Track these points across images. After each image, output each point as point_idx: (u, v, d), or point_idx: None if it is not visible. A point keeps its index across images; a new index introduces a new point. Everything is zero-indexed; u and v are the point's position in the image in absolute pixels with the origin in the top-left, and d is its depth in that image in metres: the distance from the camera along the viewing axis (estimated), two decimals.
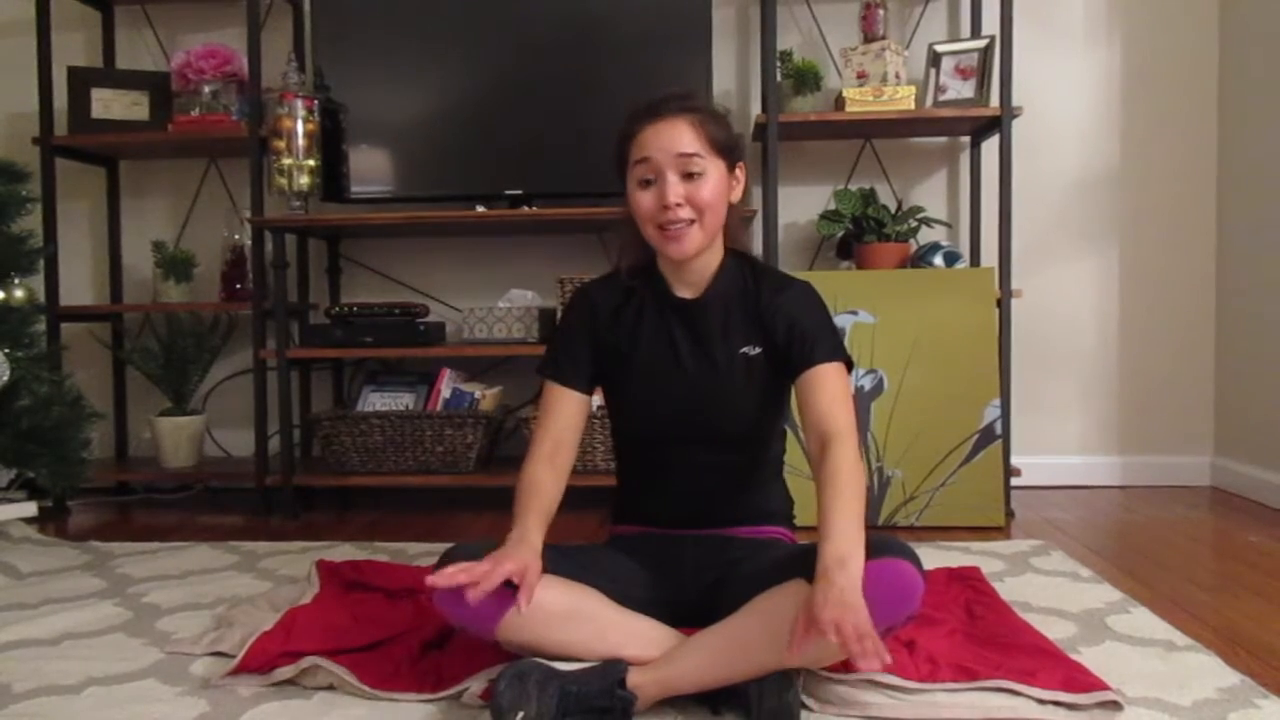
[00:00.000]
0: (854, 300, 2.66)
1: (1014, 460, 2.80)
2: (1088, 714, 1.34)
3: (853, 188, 2.94)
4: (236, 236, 3.06)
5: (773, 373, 1.54)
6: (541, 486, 1.51)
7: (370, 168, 2.92)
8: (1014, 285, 2.72)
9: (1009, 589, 1.93)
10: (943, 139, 3.11)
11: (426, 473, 2.82)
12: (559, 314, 2.76)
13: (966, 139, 3.06)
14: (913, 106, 2.74)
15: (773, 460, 1.65)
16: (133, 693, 1.47)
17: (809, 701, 1.38)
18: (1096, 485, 3.09)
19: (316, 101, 2.79)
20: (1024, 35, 2.95)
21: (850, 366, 1.55)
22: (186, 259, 3.06)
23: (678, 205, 1.46)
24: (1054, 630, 1.66)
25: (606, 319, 1.59)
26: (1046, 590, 1.94)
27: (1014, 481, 2.72)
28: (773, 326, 1.53)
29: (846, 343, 2.60)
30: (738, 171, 1.55)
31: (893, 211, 2.84)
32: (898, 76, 2.77)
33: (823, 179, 3.12)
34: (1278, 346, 2.75)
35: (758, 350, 1.54)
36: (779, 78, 2.83)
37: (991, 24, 2.80)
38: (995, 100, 2.71)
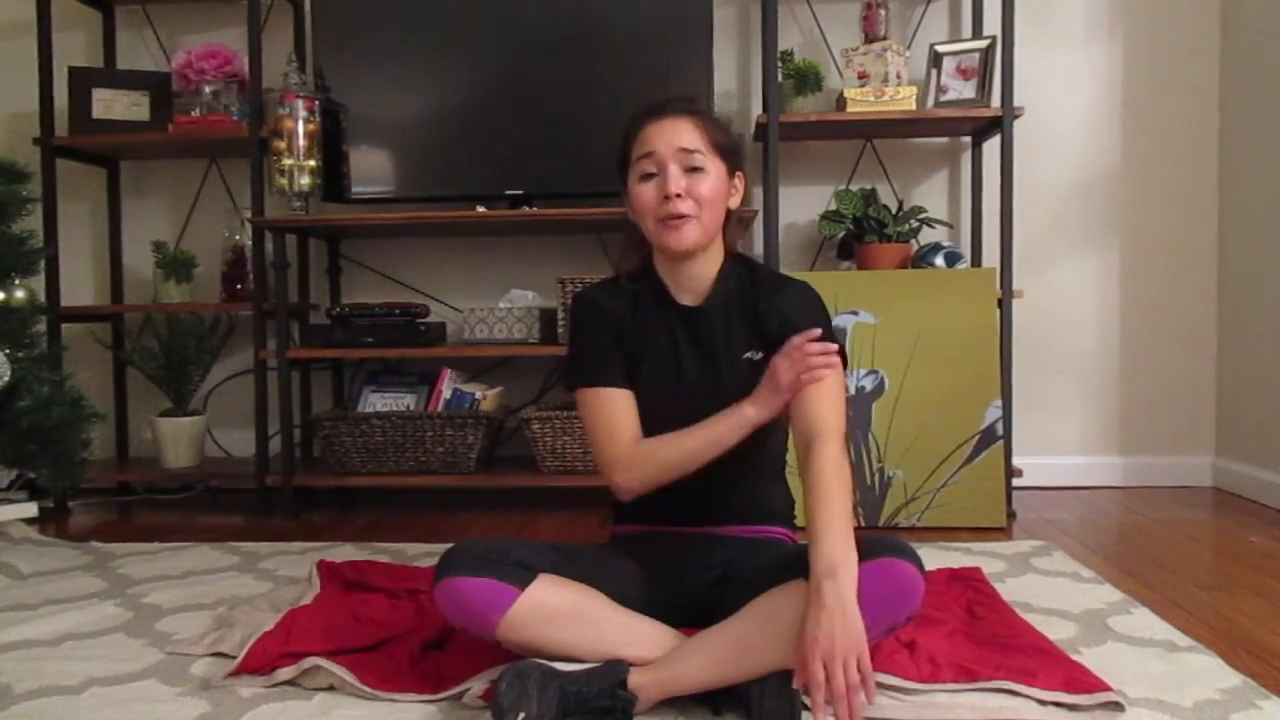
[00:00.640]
0: (855, 300, 2.66)
1: (1015, 461, 2.79)
2: (1089, 715, 1.34)
3: (854, 188, 2.94)
4: (237, 237, 3.06)
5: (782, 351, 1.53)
6: (656, 441, 1.51)
7: (371, 168, 2.92)
8: (1015, 285, 2.72)
9: (1010, 589, 1.93)
10: (944, 139, 3.10)
11: (427, 473, 2.82)
12: (559, 314, 2.76)
13: (968, 139, 3.06)
14: (914, 107, 2.74)
15: (773, 461, 1.65)
16: (133, 693, 1.47)
17: (809, 702, 1.38)
18: (1098, 486, 3.08)
19: (317, 102, 2.79)
20: (1025, 35, 2.95)
21: (845, 365, 1.54)
22: (187, 259, 3.06)
23: (678, 196, 1.47)
24: (1055, 631, 1.66)
25: (621, 322, 1.58)
26: (1047, 591, 1.94)
27: (1015, 482, 2.72)
28: (771, 329, 1.53)
29: (847, 343, 2.62)
30: (737, 180, 1.56)
31: (894, 212, 2.84)
32: (899, 77, 2.77)
33: (824, 179, 3.11)
34: (1279, 347, 2.74)
35: (760, 356, 1.54)
36: (780, 78, 2.83)
37: (993, 24, 2.80)
38: (996, 100, 2.71)
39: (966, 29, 3.04)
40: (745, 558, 1.53)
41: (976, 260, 2.97)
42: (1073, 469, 3.10)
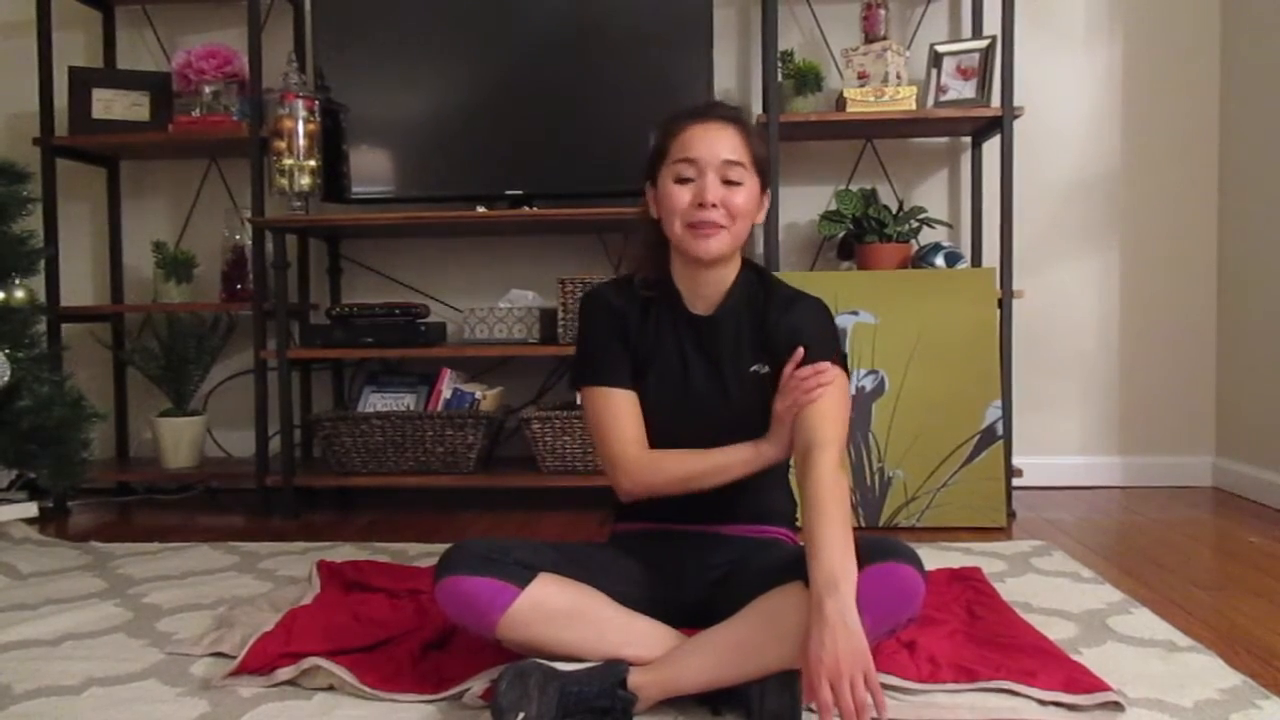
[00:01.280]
0: (855, 301, 2.66)
1: (1015, 461, 2.80)
2: (1089, 715, 1.34)
3: (854, 188, 2.94)
4: (237, 237, 3.06)
5: (779, 389, 1.54)
6: (666, 455, 1.52)
7: (371, 168, 2.92)
8: (1015, 285, 2.72)
9: (1010, 589, 1.93)
10: (944, 139, 3.10)
11: (427, 473, 2.82)
12: (559, 315, 2.76)
13: (968, 139, 3.06)
14: (914, 107, 2.74)
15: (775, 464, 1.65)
16: (133, 693, 1.47)
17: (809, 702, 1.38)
18: (1098, 486, 3.09)
19: (317, 102, 2.79)
20: (1025, 35, 2.95)
21: (848, 375, 1.55)
22: (187, 259, 3.06)
23: (714, 206, 1.46)
24: (1055, 631, 1.66)
25: (629, 324, 1.57)
26: (1047, 591, 1.94)
27: (1015, 482, 2.72)
28: (778, 343, 1.53)
29: (847, 343, 2.62)
30: (765, 196, 1.56)
31: (894, 212, 2.84)
32: (899, 77, 2.77)
33: (824, 179, 3.11)
34: (1279, 346, 2.74)
35: (766, 369, 1.54)
36: (780, 78, 2.83)
37: (993, 24, 2.80)
38: (996, 100, 2.71)
39: (966, 29, 3.04)
40: (746, 558, 1.53)
41: (976, 260, 2.97)
42: (1073, 469, 3.10)
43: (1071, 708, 1.34)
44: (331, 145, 2.86)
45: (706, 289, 1.56)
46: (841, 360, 1.52)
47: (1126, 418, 3.11)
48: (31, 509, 2.51)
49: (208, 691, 1.47)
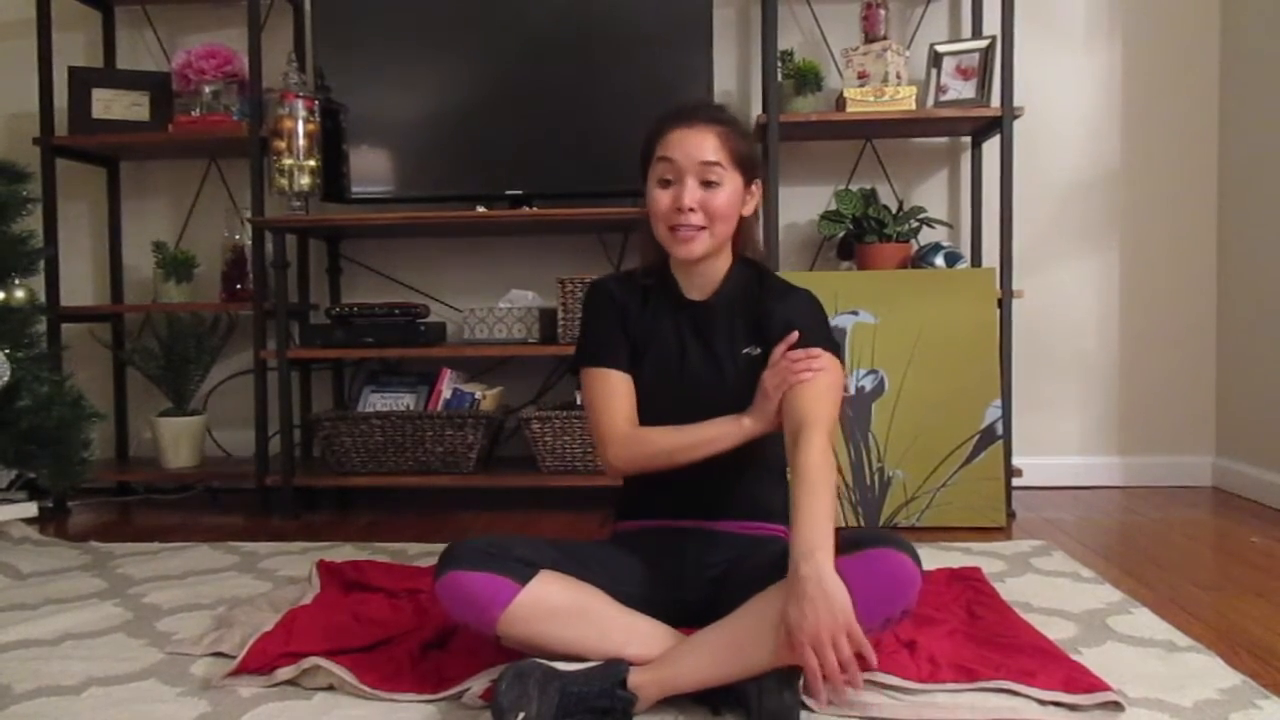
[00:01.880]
0: (855, 300, 2.66)
1: (1015, 461, 2.80)
2: (1088, 715, 1.34)
3: (854, 188, 2.94)
4: (237, 236, 3.06)
5: (769, 364, 1.56)
6: (651, 429, 1.56)
7: (371, 168, 2.92)
8: (1015, 285, 2.72)
9: (1010, 589, 1.93)
10: (944, 139, 3.10)
11: (427, 473, 2.82)
12: (559, 314, 2.76)
13: (967, 139, 3.06)
14: (914, 107, 2.74)
15: (773, 458, 1.65)
16: (133, 693, 1.47)
17: (809, 701, 1.38)
18: (1097, 486, 3.09)
19: (317, 102, 2.79)
20: (1025, 35, 2.95)
21: (842, 364, 1.58)
22: (187, 259, 3.06)
23: (690, 210, 1.51)
24: (1055, 631, 1.66)
25: (628, 312, 1.63)
26: (1047, 591, 1.94)
27: (1015, 482, 2.72)
28: (770, 327, 1.57)
29: (847, 343, 2.62)
30: (753, 187, 1.60)
31: (894, 212, 2.84)
32: (899, 77, 2.77)
33: (824, 179, 3.12)
34: (1279, 346, 2.74)
35: (758, 351, 1.57)
36: (780, 78, 2.83)
37: (993, 24, 2.79)
38: (996, 100, 2.71)
39: (966, 29, 3.04)
40: (744, 555, 1.53)
41: (976, 260, 2.97)
42: (1072, 469, 3.10)
43: (1071, 707, 1.34)
44: (331, 145, 2.86)
45: (701, 279, 1.62)
46: (834, 349, 1.56)
47: (1126, 418, 3.11)
48: (31, 509, 2.51)
49: (208, 691, 1.47)
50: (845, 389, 2.40)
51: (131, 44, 3.23)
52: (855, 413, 2.61)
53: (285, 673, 1.48)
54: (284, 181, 2.75)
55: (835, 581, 1.24)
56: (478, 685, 1.41)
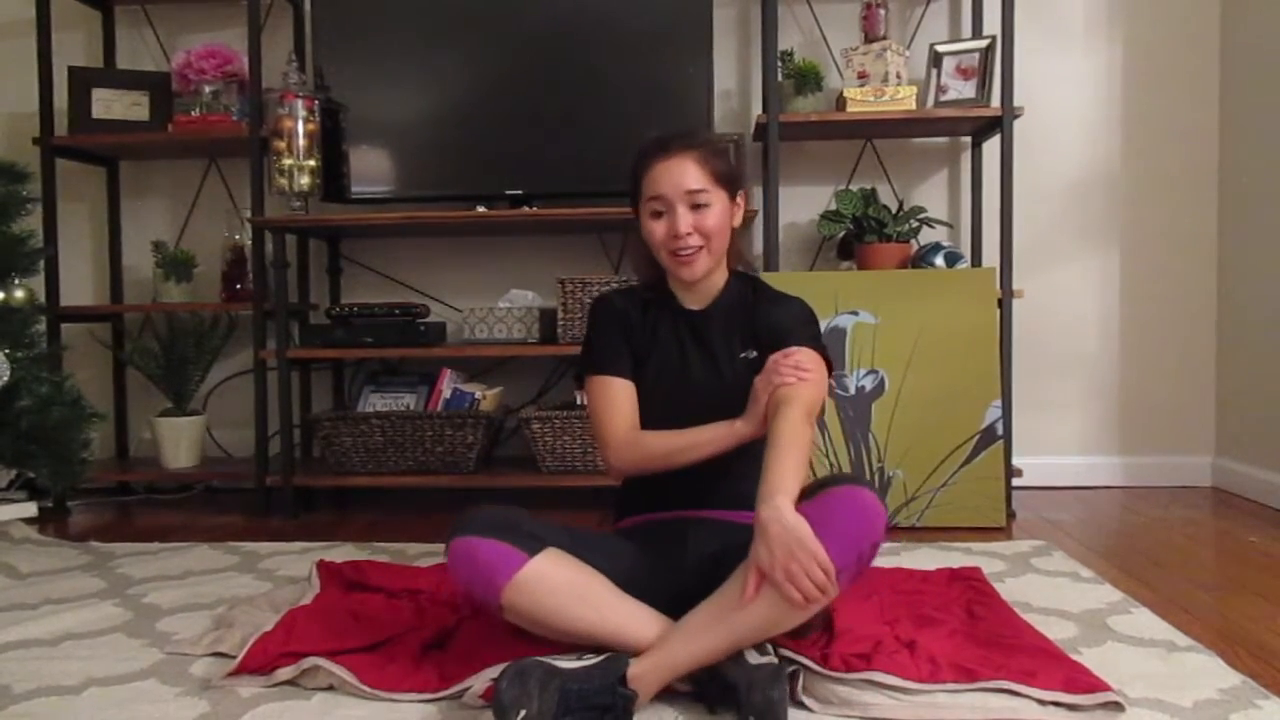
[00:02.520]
0: (855, 300, 2.66)
1: (1015, 461, 2.80)
2: (1089, 715, 1.34)
3: (854, 188, 2.94)
4: (237, 236, 3.06)
5: (763, 369, 1.63)
6: (649, 433, 1.64)
7: (371, 168, 2.92)
8: (1015, 285, 2.72)
9: (1010, 589, 1.93)
10: (944, 139, 3.10)
11: (427, 473, 2.82)
12: (559, 315, 2.76)
13: (968, 139, 3.06)
14: (914, 107, 2.74)
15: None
16: (133, 693, 1.47)
17: (809, 702, 1.39)
18: (1097, 486, 3.09)
19: (317, 102, 2.78)
20: (1025, 35, 2.95)
21: (830, 368, 1.66)
22: (187, 259, 3.06)
23: (687, 234, 1.61)
24: (1055, 631, 1.66)
25: (631, 322, 1.72)
26: (1047, 591, 1.94)
27: (1015, 482, 2.72)
28: (764, 332, 1.67)
29: (847, 343, 2.62)
30: (739, 199, 1.70)
31: (894, 212, 2.84)
32: (899, 76, 2.77)
33: (824, 179, 3.11)
34: (1279, 346, 2.74)
35: (754, 355, 1.67)
36: (780, 78, 2.83)
37: (993, 24, 2.80)
38: (996, 100, 2.71)
39: (966, 29, 3.04)
40: (738, 542, 1.55)
41: (976, 260, 2.97)
42: (1073, 469, 3.10)
43: (1071, 708, 1.35)
44: (331, 145, 2.86)
45: (698, 292, 1.72)
46: (822, 350, 1.64)
47: (1126, 418, 3.11)
48: (31, 509, 2.51)
49: (207, 691, 1.47)
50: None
51: (131, 44, 3.23)
52: (855, 413, 2.61)
53: (285, 673, 1.48)
54: (284, 181, 2.75)
55: (795, 517, 1.32)
56: (478, 684, 1.41)
